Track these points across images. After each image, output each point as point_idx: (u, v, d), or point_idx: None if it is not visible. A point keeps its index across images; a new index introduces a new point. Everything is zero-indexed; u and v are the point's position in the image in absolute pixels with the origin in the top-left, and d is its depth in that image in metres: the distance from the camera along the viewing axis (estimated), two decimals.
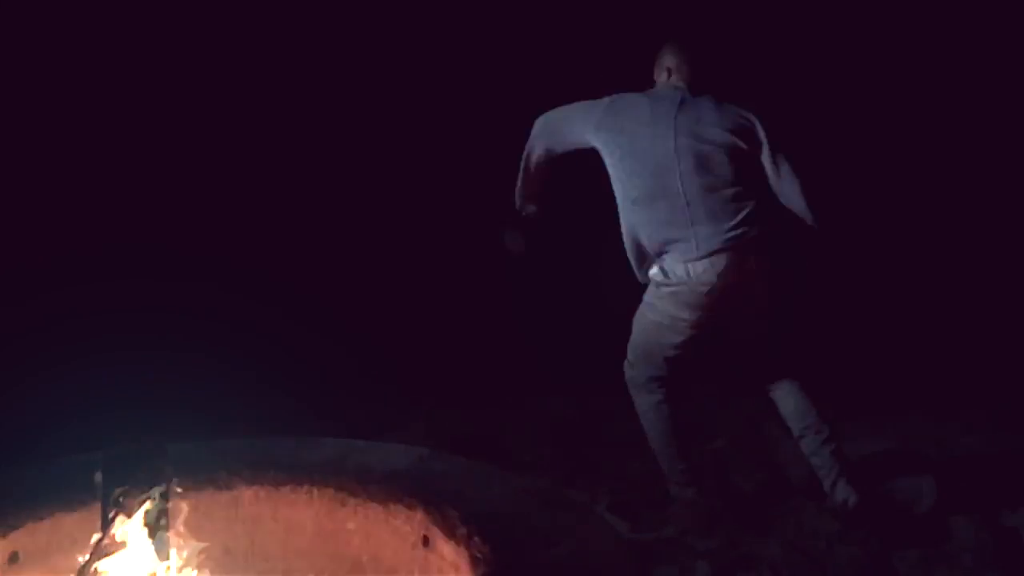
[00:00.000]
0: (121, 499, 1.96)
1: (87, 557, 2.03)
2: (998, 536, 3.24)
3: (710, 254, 3.18)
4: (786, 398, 3.37)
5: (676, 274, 3.22)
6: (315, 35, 6.11)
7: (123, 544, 1.98)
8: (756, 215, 3.21)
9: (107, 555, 1.97)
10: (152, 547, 2.00)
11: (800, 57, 5.36)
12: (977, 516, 3.30)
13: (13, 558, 2.32)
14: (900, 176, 5.59)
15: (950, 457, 3.83)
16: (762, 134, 3.22)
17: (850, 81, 5.41)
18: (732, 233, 3.18)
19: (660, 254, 3.25)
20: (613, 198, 3.39)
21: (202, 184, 5.74)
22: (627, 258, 3.37)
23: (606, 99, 3.31)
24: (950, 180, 5.64)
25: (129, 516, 1.98)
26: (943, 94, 5.64)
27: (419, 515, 2.54)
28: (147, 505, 1.98)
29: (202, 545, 2.43)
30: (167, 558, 2.07)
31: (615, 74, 3.45)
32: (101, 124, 5.72)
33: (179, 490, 2.15)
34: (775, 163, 3.21)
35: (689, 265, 3.20)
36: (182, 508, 2.33)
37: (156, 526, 1.97)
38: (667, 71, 3.34)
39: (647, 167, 3.20)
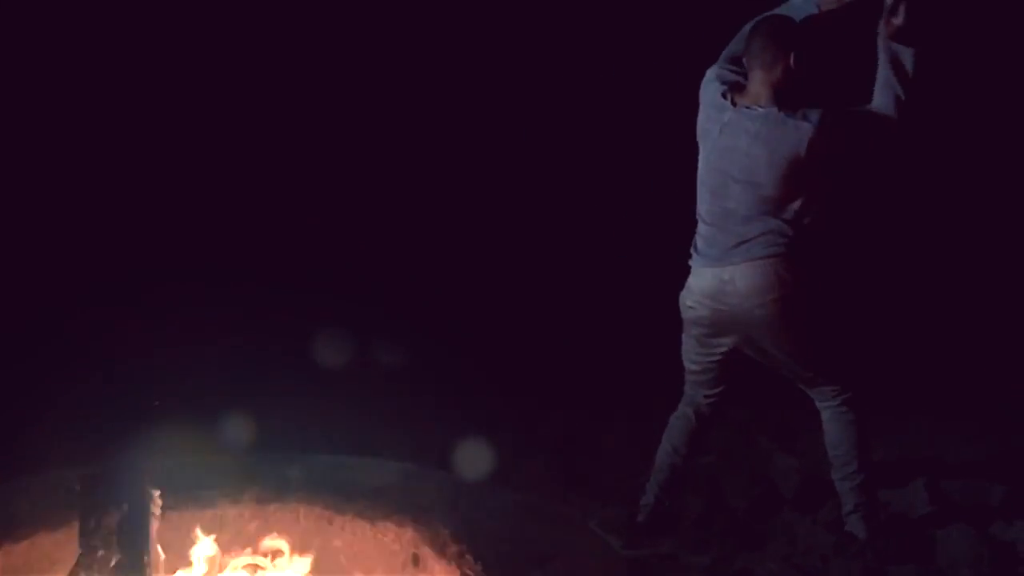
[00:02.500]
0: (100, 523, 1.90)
1: None
2: (995, 550, 3.20)
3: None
4: (826, 424, 3.29)
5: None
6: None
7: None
8: (758, 248, 3.04)
9: None
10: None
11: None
12: (974, 530, 3.26)
13: None
14: (900, 179, 5.56)
15: (946, 469, 3.79)
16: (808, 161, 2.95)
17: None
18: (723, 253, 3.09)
19: None
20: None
21: (186, 187, 5.68)
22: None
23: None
24: (949, 182, 5.62)
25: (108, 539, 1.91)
26: (942, 96, 5.63)
27: (409, 532, 2.50)
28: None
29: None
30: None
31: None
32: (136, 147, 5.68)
33: (159, 511, 2.08)
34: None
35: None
36: (163, 527, 2.28)
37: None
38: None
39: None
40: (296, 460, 2.91)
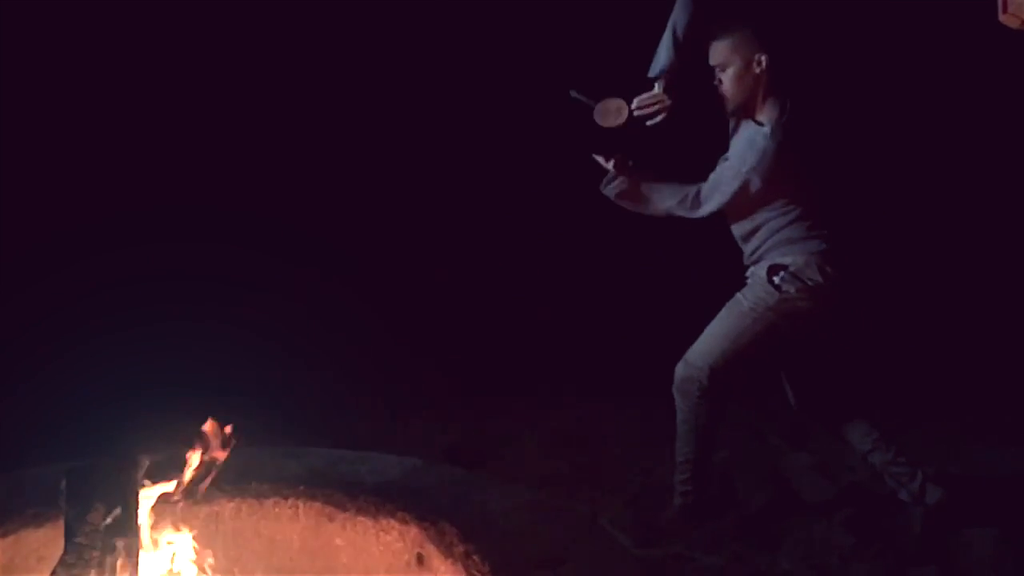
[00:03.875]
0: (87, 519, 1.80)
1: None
2: (1019, 552, 3.11)
3: None
4: (848, 422, 3.30)
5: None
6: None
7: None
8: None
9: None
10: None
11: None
12: (997, 531, 3.17)
13: None
14: (909, 182, 5.48)
15: (970, 470, 3.70)
16: None
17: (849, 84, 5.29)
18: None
19: None
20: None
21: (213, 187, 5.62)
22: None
23: None
24: (957, 186, 5.54)
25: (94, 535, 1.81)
26: (941, 98, 5.54)
27: (413, 530, 2.40)
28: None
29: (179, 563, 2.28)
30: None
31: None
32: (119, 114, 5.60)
33: (149, 504, 1.98)
34: None
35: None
36: (156, 524, 2.18)
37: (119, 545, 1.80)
38: None
39: None
40: (295, 454, 2.82)
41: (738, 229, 3.24)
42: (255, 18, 5.75)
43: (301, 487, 2.59)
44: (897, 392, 4.36)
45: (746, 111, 3.15)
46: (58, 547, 2.01)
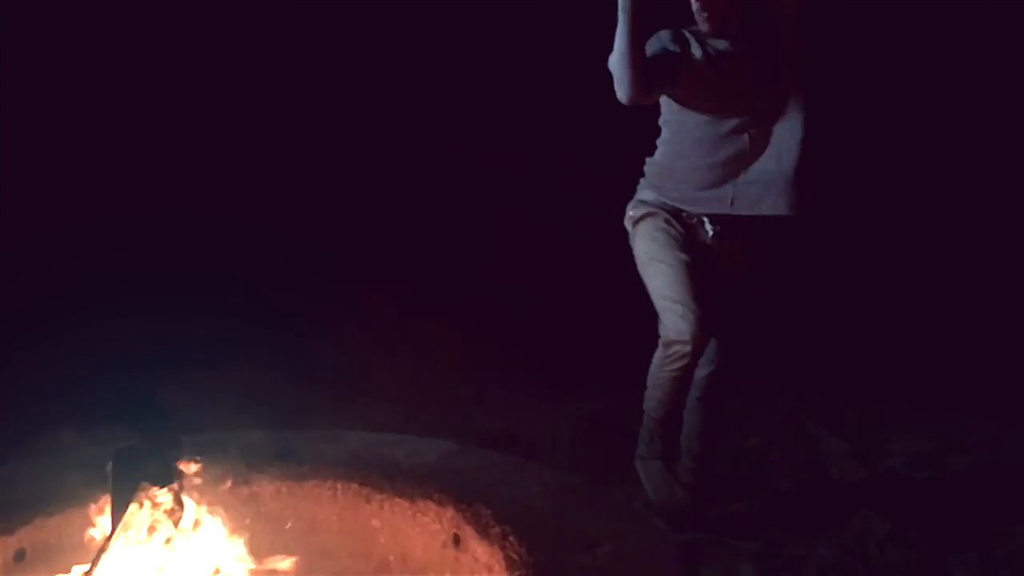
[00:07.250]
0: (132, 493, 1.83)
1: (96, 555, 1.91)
2: None
3: None
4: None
5: None
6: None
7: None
8: None
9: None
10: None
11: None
12: None
13: (20, 556, 2.20)
14: (938, 171, 5.39)
15: (1009, 459, 3.66)
16: None
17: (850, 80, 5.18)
18: None
19: None
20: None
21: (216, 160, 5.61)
22: None
23: None
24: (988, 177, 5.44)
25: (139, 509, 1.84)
26: (942, 93, 5.43)
27: (449, 512, 2.41)
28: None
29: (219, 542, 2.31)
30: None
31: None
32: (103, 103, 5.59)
33: (196, 482, 2.01)
34: None
35: None
36: (198, 504, 2.22)
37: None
38: None
39: None
40: (333, 437, 2.85)
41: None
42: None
43: (340, 469, 2.61)
44: (932, 382, 4.31)
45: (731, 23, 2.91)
46: (104, 526, 2.05)
